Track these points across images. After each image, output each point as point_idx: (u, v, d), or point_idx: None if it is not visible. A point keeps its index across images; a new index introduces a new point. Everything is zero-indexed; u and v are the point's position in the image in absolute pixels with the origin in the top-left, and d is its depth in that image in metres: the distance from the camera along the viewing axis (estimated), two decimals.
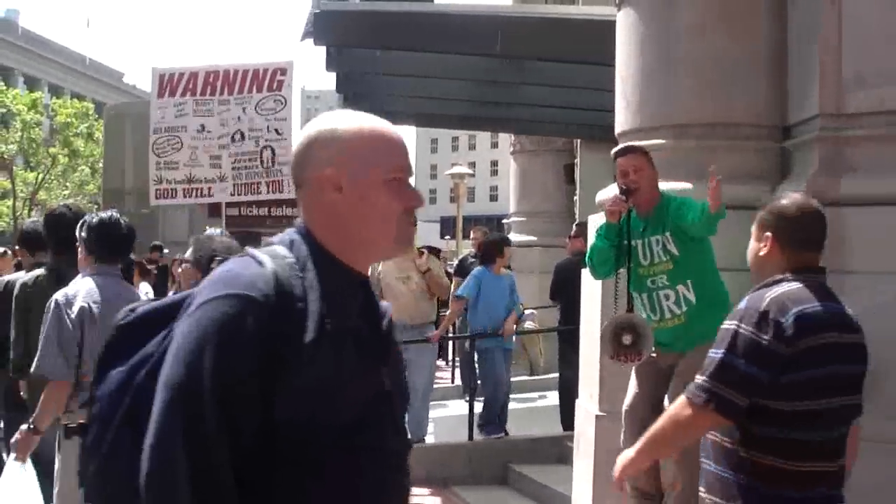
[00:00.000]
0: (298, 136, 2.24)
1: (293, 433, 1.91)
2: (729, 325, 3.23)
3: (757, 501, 3.20)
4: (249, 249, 2.09)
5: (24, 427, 4.99)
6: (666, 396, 5.42)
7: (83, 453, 2.09)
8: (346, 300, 2.05)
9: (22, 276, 6.46)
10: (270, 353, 1.89)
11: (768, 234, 3.47)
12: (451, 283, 10.72)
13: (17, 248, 7.30)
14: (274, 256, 2.01)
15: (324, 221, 2.09)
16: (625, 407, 5.57)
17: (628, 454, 3.55)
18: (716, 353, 3.20)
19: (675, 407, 3.34)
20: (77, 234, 5.26)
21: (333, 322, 1.95)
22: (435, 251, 10.55)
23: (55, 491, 5.05)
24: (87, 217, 5.32)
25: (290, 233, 2.13)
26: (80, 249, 5.27)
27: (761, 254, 3.50)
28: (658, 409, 5.44)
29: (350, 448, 1.97)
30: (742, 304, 3.31)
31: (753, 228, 3.64)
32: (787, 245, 3.41)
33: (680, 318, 5.35)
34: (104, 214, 5.31)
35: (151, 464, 1.83)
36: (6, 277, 6.97)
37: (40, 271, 5.85)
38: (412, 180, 2.18)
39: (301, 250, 2.05)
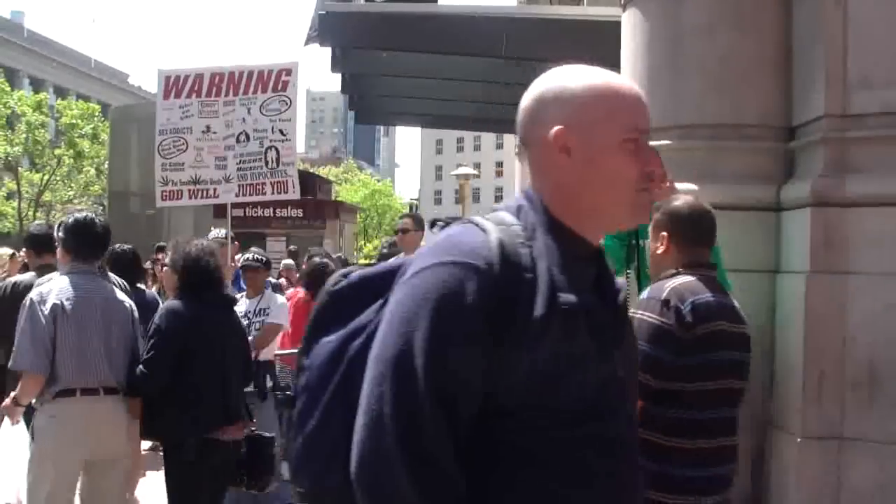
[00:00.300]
0: (528, 92, 2.08)
1: (515, 420, 1.72)
2: (633, 313, 3.37)
3: (666, 482, 3.40)
4: (472, 217, 1.92)
5: (7, 400, 5.40)
6: None
7: (289, 424, 1.99)
8: (578, 273, 1.83)
9: (27, 278, 6.54)
10: (493, 328, 1.69)
11: (664, 233, 3.77)
12: None
13: (24, 249, 7.35)
14: (499, 223, 1.83)
15: (552, 187, 1.92)
16: None
17: None
18: None
19: None
20: (55, 234, 5.50)
21: (565, 297, 1.75)
22: None
23: (26, 478, 5.26)
24: (63, 218, 5.53)
25: (517, 198, 1.97)
26: (58, 249, 5.51)
27: (658, 252, 3.81)
28: None
29: (578, 439, 1.76)
30: (644, 295, 3.64)
31: (650, 230, 3.90)
32: (681, 243, 3.72)
33: None
34: (80, 215, 5.50)
35: (363, 448, 1.68)
36: (14, 279, 7.03)
37: (54, 273, 5.92)
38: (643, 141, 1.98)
39: (529, 217, 1.87)
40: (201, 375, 5.46)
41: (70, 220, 5.42)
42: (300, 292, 9.55)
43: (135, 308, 5.59)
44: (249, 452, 5.82)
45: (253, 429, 5.96)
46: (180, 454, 5.44)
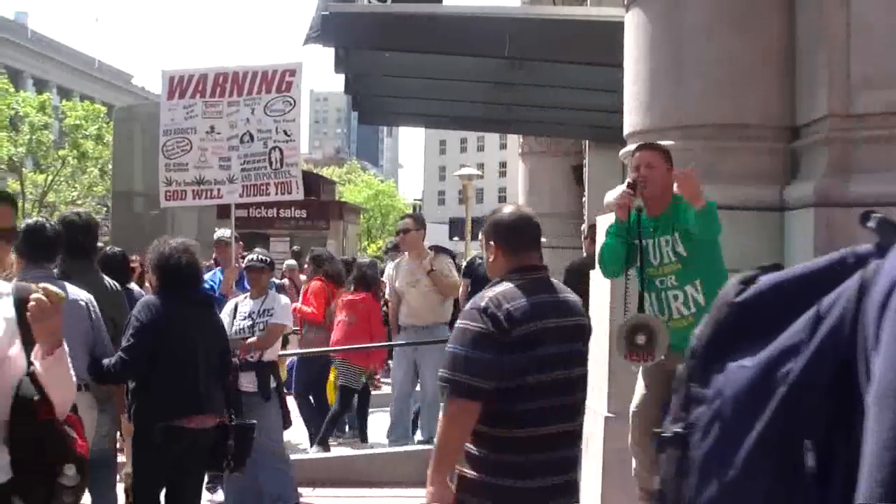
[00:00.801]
0: None
1: None
2: (458, 323, 3.87)
3: (504, 466, 3.80)
4: None
5: None
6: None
7: (679, 466, 1.67)
8: None
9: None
10: None
11: (491, 242, 4.04)
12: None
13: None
14: None
15: None
16: (632, 408, 5.57)
17: (430, 482, 3.78)
18: (450, 348, 3.80)
19: (445, 410, 3.83)
20: None
21: None
22: (444, 251, 10.45)
23: None
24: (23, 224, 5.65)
25: None
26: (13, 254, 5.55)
27: (490, 261, 4.07)
28: (666, 411, 5.44)
29: None
30: (468, 305, 3.94)
31: (481, 239, 4.21)
32: (507, 249, 3.99)
33: (688, 318, 5.34)
34: (30, 221, 5.66)
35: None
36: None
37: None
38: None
39: None
40: (172, 367, 5.65)
41: (22, 227, 5.45)
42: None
43: (93, 305, 5.61)
44: (236, 440, 6.06)
45: (233, 420, 6.17)
46: (147, 438, 5.62)
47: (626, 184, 5.45)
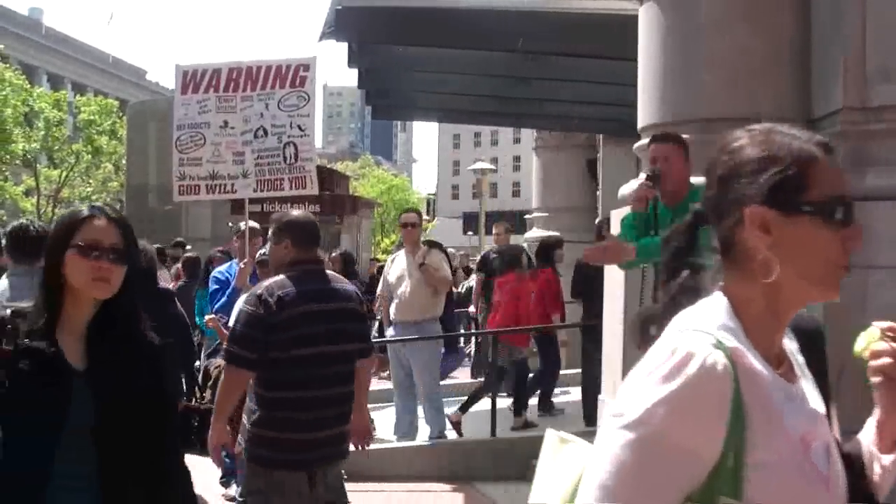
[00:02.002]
0: None
1: None
2: (240, 306, 4.96)
3: (271, 422, 4.77)
4: None
5: None
6: None
7: None
8: None
9: None
10: None
11: (286, 239, 5.01)
12: (474, 277, 10.65)
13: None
14: None
15: None
16: None
17: (212, 429, 4.94)
18: (232, 326, 4.91)
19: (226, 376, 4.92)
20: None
21: None
22: (437, 245, 10.36)
23: None
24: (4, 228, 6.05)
25: None
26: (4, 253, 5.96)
27: (277, 253, 5.06)
28: None
29: None
30: (249, 291, 5.05)
31: (271, 234, 5.17)
32: (294, 244, 4.98)
33: None
34: (16, 223, 5.94)
35: None
36: None
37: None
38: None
39: None
40: None
41: (9, 228, 5.86)
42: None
43: None
44: (201, 421, 6.40)
45: (201, 405, 6.71)
46: None
47: (644, 176, 5.43)
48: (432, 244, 10.11)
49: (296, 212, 5.26)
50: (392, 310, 9.60)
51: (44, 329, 2.71)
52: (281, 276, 4.87)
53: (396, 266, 9.66)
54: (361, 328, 5.26)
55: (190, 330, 6.79)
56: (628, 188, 6.40)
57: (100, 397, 2.72)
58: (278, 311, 4.70)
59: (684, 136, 5.90)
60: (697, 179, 5.48)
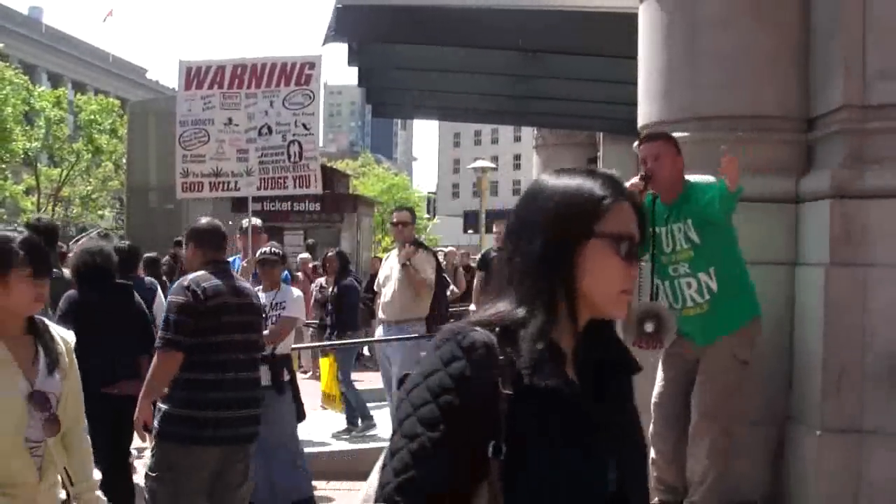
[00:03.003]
0: None
1: None
2: (170, 297, 5.51)
3: (189, 402, 5.29)
4: None
5: None
6: (691, 395, 5.44)
7: None
8: None
9: None
10: None
11: (191, 243, 5.71)
12: (475, 276, 10.54)
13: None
14: None
15: None
16: (653, 399, 5.58)
17: (138, 408, 5.43)
18: (165, 314, 5.40)
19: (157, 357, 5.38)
20: None
21: None
22: (425, 247, 10.08)
23: None
24: None
25: None
26: None
27: (188, 256, 5.76)
28: (687, 403, 5.46)
29: None
30: (176, 284, 5.64)
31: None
32: (201, 248, 5.65)
33: (702, 306, 5.35)
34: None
35: None
36: None
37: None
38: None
39: None
40: (89, 345, 6.03)
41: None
42: None
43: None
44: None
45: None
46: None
47: (638, 177, 5.45)
48: (419, 245, 9.89)
49: (204, 220, 5.96)
50: (379, 309, 9.56)
51: None
52: (202, 272, 5.53)
53: (386, 265, 9.61)
54: (261, 322, 6.11)
55: (149, 319, 7.28)
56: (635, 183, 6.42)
57: None
58: (205, 300, 5.34)
59: (685, 133, 5.92)
60: (694, 176, 5.50)
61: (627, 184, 5.73)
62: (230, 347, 5.48)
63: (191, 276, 5.53)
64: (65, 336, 3.58)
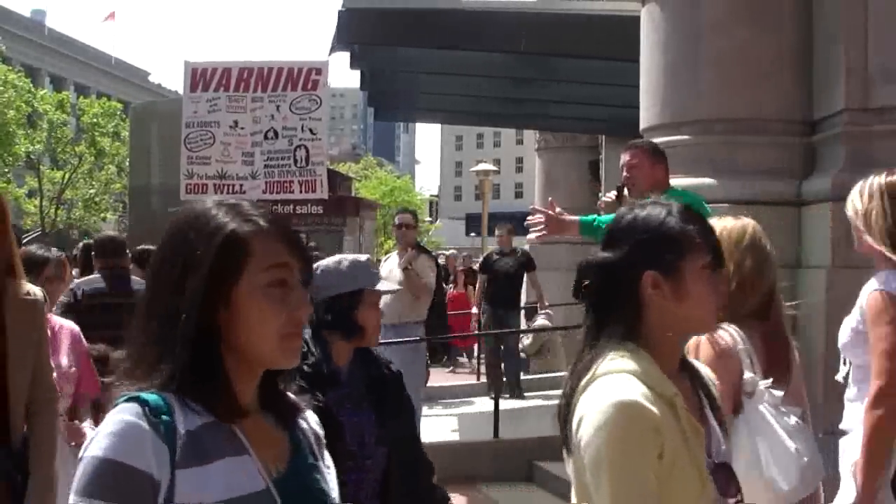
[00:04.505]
0: None
1: None
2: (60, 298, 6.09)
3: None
4: None
5: None
6: None
7: None
8: None
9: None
10: None
11: (91, 252, 6.73)
12: (477, 279, 10.51)
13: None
14: None
15: None
16: None
17: None
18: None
19: None
20: None
21: None
22: (426, 252, 9.99)
23: None
24: None
25: None
26: None
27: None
28: None
29: None
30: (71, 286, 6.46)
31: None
32: (97, 256, 6.63)
33: None
34: None
35: None
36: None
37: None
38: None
39: None
40: None
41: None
42: None
43: None
44: None
45: None
46: None
47: (614, 190, 5.46)
48: (421, 249, 9.84)
49: (108, 233, 7.26)
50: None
51: None
52: (93, 276, 6.60)
53: (385, 267, 9.57)
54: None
55: None
56: (609, 195, 6.44)
57: None
58: (82, 299, 6.27)
59: (686, 136, 5.94)
60: (689, 182, 5.50)
61: (601, 199, 5.76)
62: (108, 342, 5.82)
63: (81, 279, 6.62)
64: None
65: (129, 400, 1.60)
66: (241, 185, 8.37)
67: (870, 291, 3.54)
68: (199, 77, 8.42)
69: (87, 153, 42.22)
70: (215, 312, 1.65)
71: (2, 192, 3.48)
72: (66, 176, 42.68)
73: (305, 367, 3.21)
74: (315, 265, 3.39)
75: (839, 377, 3.92)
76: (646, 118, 6.59)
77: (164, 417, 1.58)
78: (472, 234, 45.41)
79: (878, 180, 3.66)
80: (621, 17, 8.94)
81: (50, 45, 65.33)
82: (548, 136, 18.72)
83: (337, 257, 3.54)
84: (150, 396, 1.60)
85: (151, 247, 7.91)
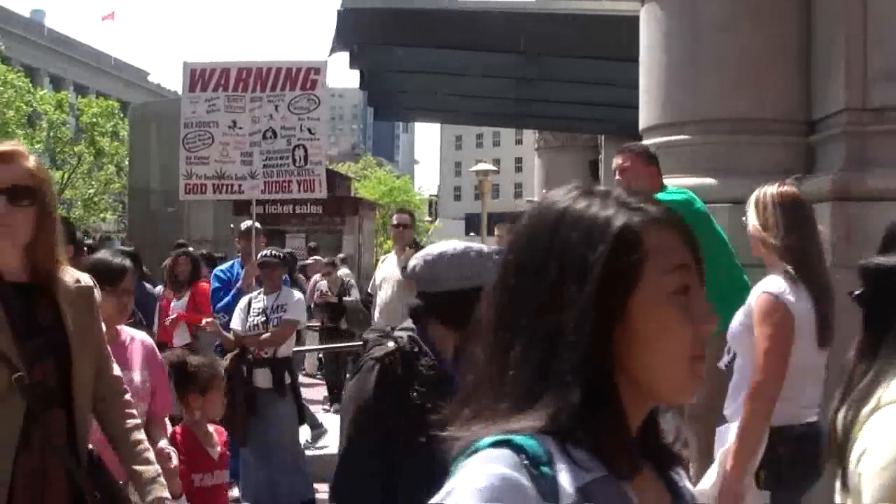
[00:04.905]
0: None
1: None
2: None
3: None
4: None
5: None
6: None
7: None
8: None
9: None
10: None
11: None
12: None
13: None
14: None
15: None
16: None
17: None
18: None
19: None
20: None
21: None
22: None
23: None
24: None
25: None
26: None
27: None
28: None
29: None
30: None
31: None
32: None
33: None
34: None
35: None
36: None
37: None
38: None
39: None
40: None
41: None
42: None
43: None
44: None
45: None
46: None
47: None
48: (420, 249, 9.71)
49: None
50: (376, 314, 9.41)
51: None
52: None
53: (384, 269, 9.50)
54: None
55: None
56: None
57: None
58: None
59: (686, 136, 5.93)
60: (688, 182, 5.49)
61: None
62: None
63: None
64: None
65: (496, 444, 1.22)
66: (239, 185, 8.36)
67: (760, 292, 3.86)
68: (197, 77, 8.41)
69: (86, 153, 42.24)
70: (610, 330, 1.28)
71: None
72: (66, 176, 42.68)
73: (422, 369, 2.86)
74: (436, 250, 3.11)
75: (721, 364, 4.18)
76: (645, 118, 6.58)
77: (543, 469, 1.21)
78: (472, 234, 45.40)
79: (771, 191, 4.02)
80: (621, 16, 8.93)
81: (49, 45, 65.29)
82: (547, 135, 18.74)
83: (461, 245, 3.18)
84: (527, 441, 1.22)
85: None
